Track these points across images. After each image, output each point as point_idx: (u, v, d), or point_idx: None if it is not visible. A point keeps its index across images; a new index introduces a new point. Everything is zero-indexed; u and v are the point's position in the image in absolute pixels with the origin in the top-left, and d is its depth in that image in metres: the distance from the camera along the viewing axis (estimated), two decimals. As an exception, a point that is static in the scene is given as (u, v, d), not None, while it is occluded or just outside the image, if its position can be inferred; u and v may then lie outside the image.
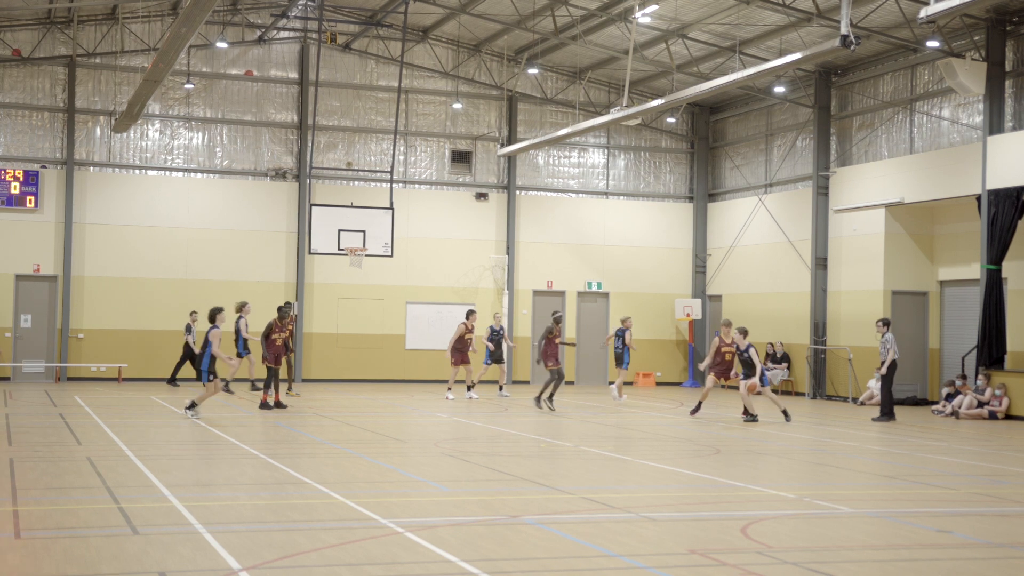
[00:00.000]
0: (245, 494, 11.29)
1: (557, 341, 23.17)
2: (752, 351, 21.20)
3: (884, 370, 21.87)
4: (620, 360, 25.51)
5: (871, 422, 21.70)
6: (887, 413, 21.98)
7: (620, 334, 25.50)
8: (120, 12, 28.98)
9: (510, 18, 28.21)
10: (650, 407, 24.61)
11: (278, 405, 21.07)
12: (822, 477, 13.91)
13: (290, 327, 21.59)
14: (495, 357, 26.15)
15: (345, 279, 30.35)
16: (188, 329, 27.16)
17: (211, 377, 18.94)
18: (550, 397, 22.74)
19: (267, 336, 21.25)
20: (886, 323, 22.12)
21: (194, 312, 27.23)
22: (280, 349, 21.15)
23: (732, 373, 21.51)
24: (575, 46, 29.29)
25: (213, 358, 18.87)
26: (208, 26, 29.79)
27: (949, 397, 24.12)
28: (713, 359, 21.51)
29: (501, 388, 26.48)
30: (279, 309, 21.50)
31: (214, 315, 19.14)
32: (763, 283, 31.30)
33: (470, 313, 25.65)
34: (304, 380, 30.20)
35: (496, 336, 26.20)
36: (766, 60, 25.80)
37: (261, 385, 23.31)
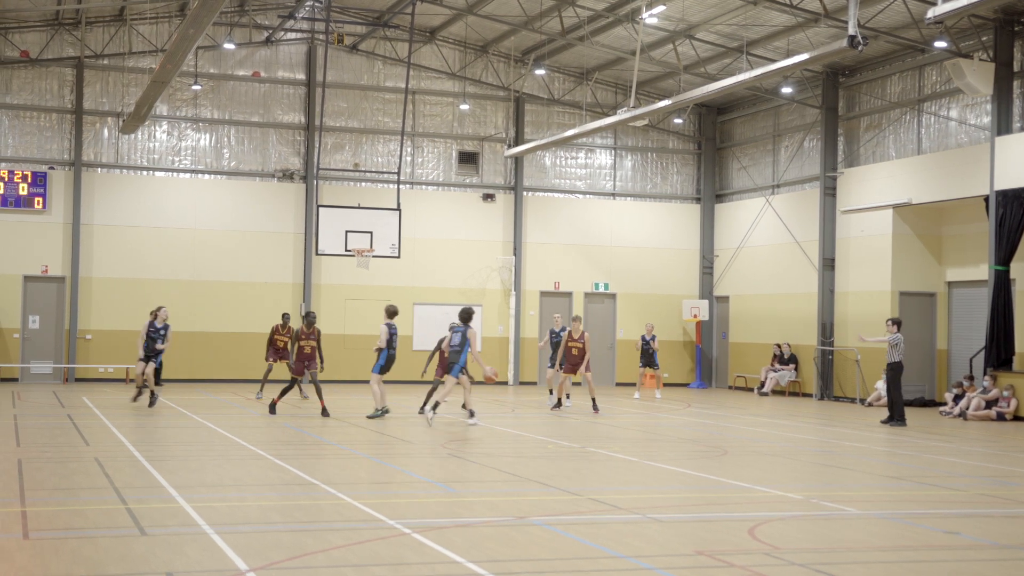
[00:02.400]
0: (252, 495, 11.31)
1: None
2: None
3: (892, 357, 20.97)
4: (652, 362, 27.26)
5: (879, 424, 21.43)
6: (896, 416, 21.14)
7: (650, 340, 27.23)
8: (128, 13, 29.04)
9: (517, 19, 28.21)
10: (656, 408, 24.60)
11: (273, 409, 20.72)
12: (829, 478, 13.90)
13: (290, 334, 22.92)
14: (559, 360, 23.66)
15: (352, 280, 30.37)
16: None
17: (462, 372, 18.90)
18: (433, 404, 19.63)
19: (296, 341, 21.41)
20: (895, 322, 21.47)
21: (161, 308, 26.76)
22: (307, 357, 21.26)
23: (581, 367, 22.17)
24: (582, 47, 29.29)
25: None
26: (215, 27, 29.83)
27: (957, 398, 24.07)
28: (561, 354, 22.36)
29: (567, 397, 23.87)
30: (306, 317, 21.70)
31: (470, 315, 18.95)
32: (770, 284, 31.27)
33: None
34: (310, 381, 30.16)
35: (557, 338, 24.13)
36: (773, 61, 25.79)
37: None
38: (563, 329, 24.27)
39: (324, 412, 20.39)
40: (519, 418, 21.02)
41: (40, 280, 29.03)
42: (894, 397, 21.28)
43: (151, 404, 21.13)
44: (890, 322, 21.60)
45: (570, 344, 22.40)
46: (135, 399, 21.87)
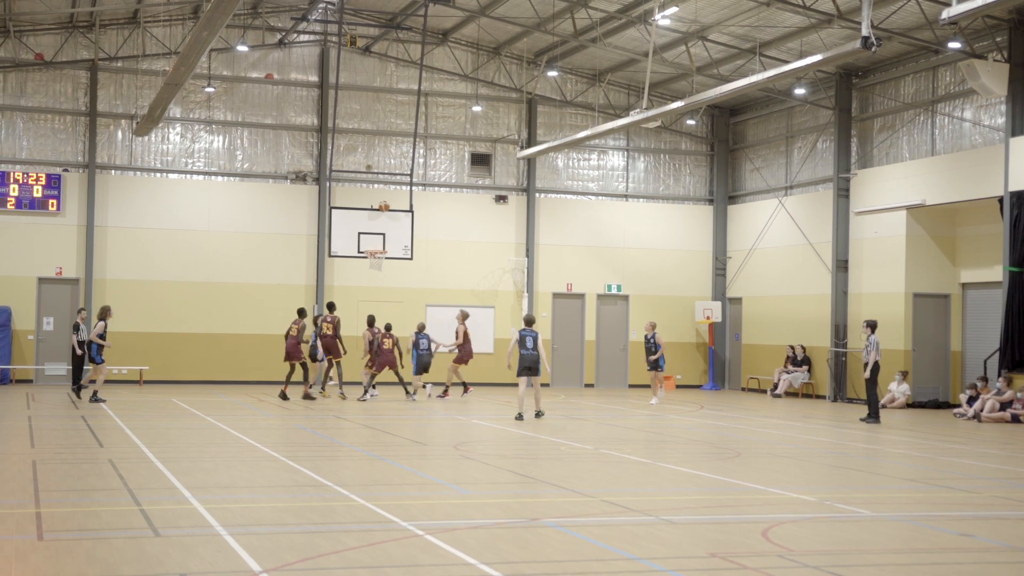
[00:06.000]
0: (265, 496, 11.33)
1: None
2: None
3: (867, 373, 21.98)
4: (658, 364, 26.51)
5: (858, 422, 22.07)
6: (872, 415, 21.99)
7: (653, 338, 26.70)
8: (141, 16, 29.13)
9: (529, 21, 28.22)
10: (670, 410, 24.55)
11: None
12: (842, 480, 13.86)
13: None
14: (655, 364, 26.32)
15: (365, 282, 30.39)
16: (76, 328, 26.70)
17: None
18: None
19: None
20: (870, 325, 22.17)
21: (82, 310, 26.95)
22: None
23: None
24: (595, 48, 29.27)
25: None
26: (228, 30, 29.90)
27: (971, 400, 23.98)
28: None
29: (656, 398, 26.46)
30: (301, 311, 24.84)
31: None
32: (783, 285, 31.20)
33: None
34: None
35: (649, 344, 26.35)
36: (786, 62, 25.72)
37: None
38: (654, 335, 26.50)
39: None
40: (531, 420, 21.00)
41: (54, 282, 29.13)
42: (871, 395, 22.13)
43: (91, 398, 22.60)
44: (865, 324, 22.37)
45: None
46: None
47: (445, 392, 26.00)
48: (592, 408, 24.51)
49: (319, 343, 25.09)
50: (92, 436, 16.35)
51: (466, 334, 25.70)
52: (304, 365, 24.42)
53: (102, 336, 22.50)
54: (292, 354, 24.36)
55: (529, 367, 20.35)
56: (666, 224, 33.49)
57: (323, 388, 25.77)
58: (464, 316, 25.99)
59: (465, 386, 26.19)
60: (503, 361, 28.71)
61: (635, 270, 33.11)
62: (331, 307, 26.03)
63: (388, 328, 25.13)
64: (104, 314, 22.84)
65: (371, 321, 25.53)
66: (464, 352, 25.64)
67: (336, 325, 25.25)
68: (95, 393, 22.49)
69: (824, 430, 20.59)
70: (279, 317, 29.79)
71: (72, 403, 22.51)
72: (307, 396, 24.29)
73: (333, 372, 25.83)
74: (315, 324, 25.74)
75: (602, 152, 33.23)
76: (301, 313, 25.16)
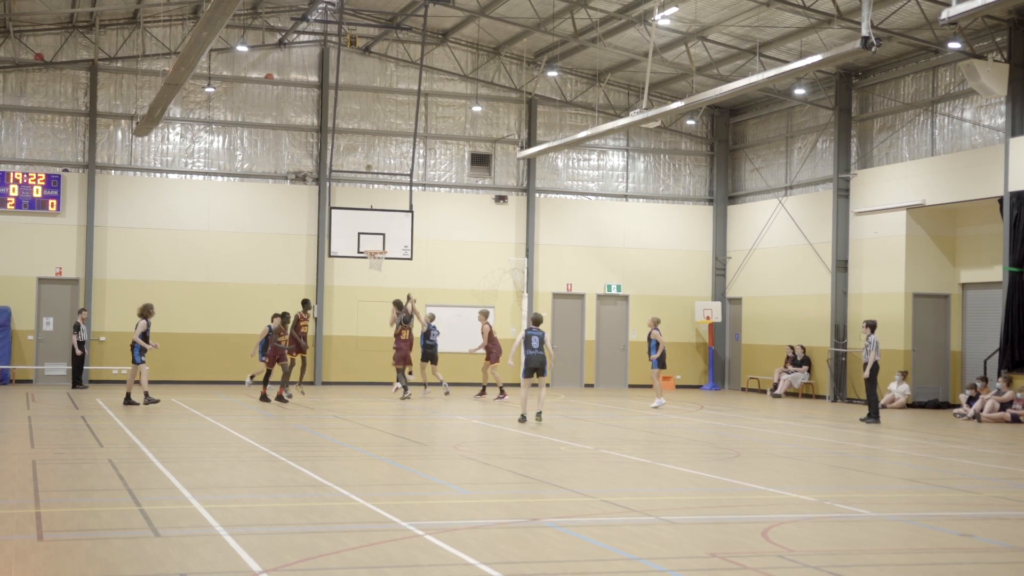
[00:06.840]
0: (266, 496, 11.33)
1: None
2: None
3: (867, 373, 21.99)
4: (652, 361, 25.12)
5: (858, 422, 22.10)
6: (872, 415, 22.02)
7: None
8: (141, 16, 29.13)
9: (529, 21, 28.22)
10: (669, 410, 24.54)
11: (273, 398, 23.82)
12: (842, 480, 13.87)
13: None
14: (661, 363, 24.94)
15: (365, 282, 30.39)
16: (76, 328, 26.82)
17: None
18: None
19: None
20: (870, 325, 22.26)
21: (83, 310, 27.21)
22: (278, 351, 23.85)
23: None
24: (594, 48, 29.28)
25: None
26: (228, 30, 29.90)
27: (970, 400, 23.99)
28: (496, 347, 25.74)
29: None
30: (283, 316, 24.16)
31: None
32: (783, 286, 31.21)
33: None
34: (324, 383, 30.27)
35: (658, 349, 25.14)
36: (786, 62, 25.72)
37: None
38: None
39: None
40: (531, 420, 20.99)
41: (54, 282, 29.13)
42: (870, 395, 22.18)
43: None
44: (864, 324, 22.47)
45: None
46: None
47: (495, 392, 26.17)
48: (592, 408, 24.51)
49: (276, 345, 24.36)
50: (92, 436, 16.35)
51: (491, 333, 25.80)
52: (282, 366, 23.86)
53: (145, 336, 21.99)
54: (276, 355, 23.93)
55: (534, 368, 20.10)
56: (666, 224, 33.49)
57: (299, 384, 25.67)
58: (485, 315, 26.20)
59: (483, 388, 26.09)
60: (503, 360, 28.81)
61: (635, 270, 33.11)
62: (305, 305, 25.15)
63: (432, 318, 26.18)
64: (146, 312, 22.15)
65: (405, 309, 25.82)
66: (494, 351, 25.80)
67: (296, 324, 24.48)
68: (146, 394, 22.09)
69: (824, 430, 20.59)
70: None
71: (73, 404, 22.51)
72: (280, 398, 23.66)
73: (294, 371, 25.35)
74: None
75: (602, 152, 33.23)
76: (284, 317, 24.43)
